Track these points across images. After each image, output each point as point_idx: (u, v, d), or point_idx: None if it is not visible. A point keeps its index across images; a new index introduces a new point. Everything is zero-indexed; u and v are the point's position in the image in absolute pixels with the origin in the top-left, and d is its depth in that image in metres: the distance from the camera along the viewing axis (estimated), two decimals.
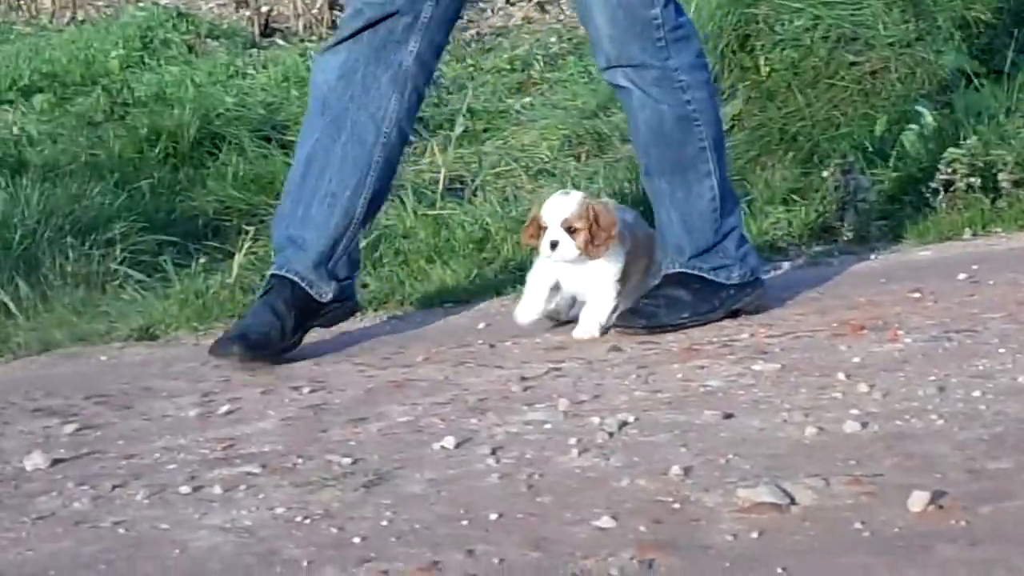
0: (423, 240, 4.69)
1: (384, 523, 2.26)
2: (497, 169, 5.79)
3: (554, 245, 3.42)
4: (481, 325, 3.74)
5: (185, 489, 2.46)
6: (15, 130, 5.66)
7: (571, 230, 3.43)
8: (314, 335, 3.55)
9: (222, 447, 2.72)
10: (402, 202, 5.13)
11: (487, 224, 4.83)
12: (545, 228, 3.44)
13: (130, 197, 4.96)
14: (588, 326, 3.49)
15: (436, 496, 2.37)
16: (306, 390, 3.14)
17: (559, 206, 3.45)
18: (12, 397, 3.21)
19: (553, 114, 6.35)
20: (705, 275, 3.50)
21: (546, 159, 5.91)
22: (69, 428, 2.91)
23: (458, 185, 5.68)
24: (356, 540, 2.19)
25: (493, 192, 5.35)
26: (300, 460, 2.60)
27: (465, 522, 2.24)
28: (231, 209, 5.27)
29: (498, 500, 2.33)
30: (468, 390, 3.06)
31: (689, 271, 3.51)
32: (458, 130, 5.96)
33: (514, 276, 4.38)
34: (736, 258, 3.54)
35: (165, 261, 4.50)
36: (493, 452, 2.57)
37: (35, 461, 2.65)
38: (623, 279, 3.52)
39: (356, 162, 3.45)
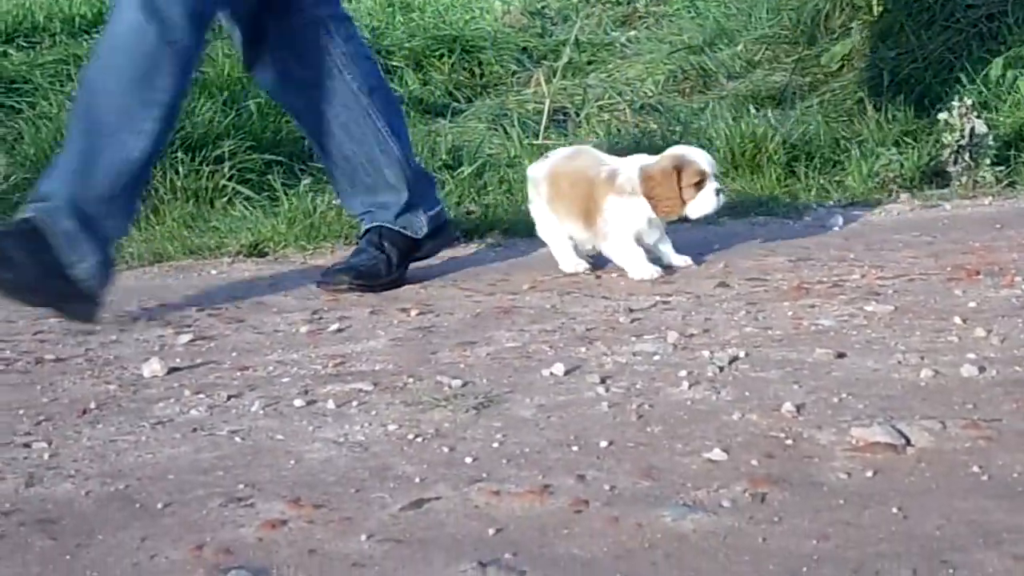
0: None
1: (495, 445, 2.27)
2: (601, 102, 5.75)
3: (717, 192, 3.46)
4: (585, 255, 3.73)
5: (299, 402, 2.49)
6: None
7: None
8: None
9: (333, 364, 2.75)
10: (506, 132, 5.13)
11: None
12: (703, 180, 3.43)
13: (238, 116, 4.99)
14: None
15: (546, 421, 2.38)
16: (414, 312, 3.16)
17: (710, 158, 3.50)
18: (127, 306, 3.27)
19: (658, 48, 6.29)
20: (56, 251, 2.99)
21: (650, 94, 5.86)
22: (184, 338, 2.96)
23: (561, 117, 5.66)
24: (467, 460, 2.20)
25: (598, 125, 5.32)
26: (411, 380, 2.62)
27: (575, 448, 2.25)
28: None
29: (608, 428, 2.33)
30: (575, 319, 3.06)
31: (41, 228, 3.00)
32: (563, 61, 5.92)
33: None
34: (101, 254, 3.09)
35: (272, 180, 4.54)
36: (602, 381, 2.58)
37: (153, 368, 2.70)
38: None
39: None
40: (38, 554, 1.87)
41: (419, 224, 3.55)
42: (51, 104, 4.89)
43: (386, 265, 3.47)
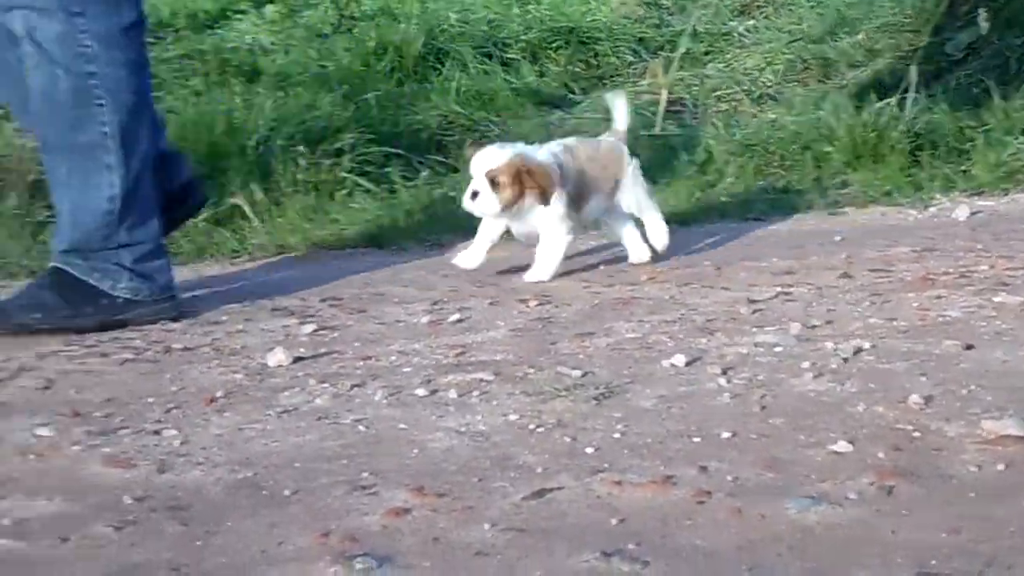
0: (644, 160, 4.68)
1: (616, 435, 2.26)
2: (719, 92, 5.71)
3: (474, 195, 3.34)
4: (704, 246, 3.71)
5: (421, 392, 2.51)
6: (249, 39, 5.80)
7: (495, 183, 3.32)
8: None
9: (454, 354, 2.76)
10: None
11: (710, 147, 4.78)
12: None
13: (357, 109, 5.04)
14: (538, 271, 3.42)
15: (667, 412, 2.37)
16: (533, 303, 3.17)
17: (487, 158, 3.34)
18: (251, 297, 3.32)
19: (777, 38, 6.21)
20: (79, 276, 3.05)
21: (769, 83, 5.80)
22: (307, 328, 3.00)
23: (678, 107, 5.62)
24: (589, 450, 2.20)
25: (717, 116, 5.28)
26: (531, 370, 2.62)
27: (697, 439, 2.24)
28: (453, 124, 5.32)
29: (730, 419, 2.32)
30: (695, 310, 3.04)
31: (62, 267, 3.07)
32: (680, 51, 5.88)
33: (735, 201, 4.34)
34: (133, 272, 3.08)
35: (390, 173, 4.58)
36: (724, 372, 2.56)
37: (278, 358, 2.74)
38: (575, 209, 3.42)
39: None
40: (169, 539, 1.91)
41: None
42: (175, 98, 4.98)
43: None
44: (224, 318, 3.15)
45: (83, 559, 1.84)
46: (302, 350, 2.82)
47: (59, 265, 3.07)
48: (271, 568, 1.82)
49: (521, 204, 3.33)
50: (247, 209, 4.14)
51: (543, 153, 3.40)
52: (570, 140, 3.55)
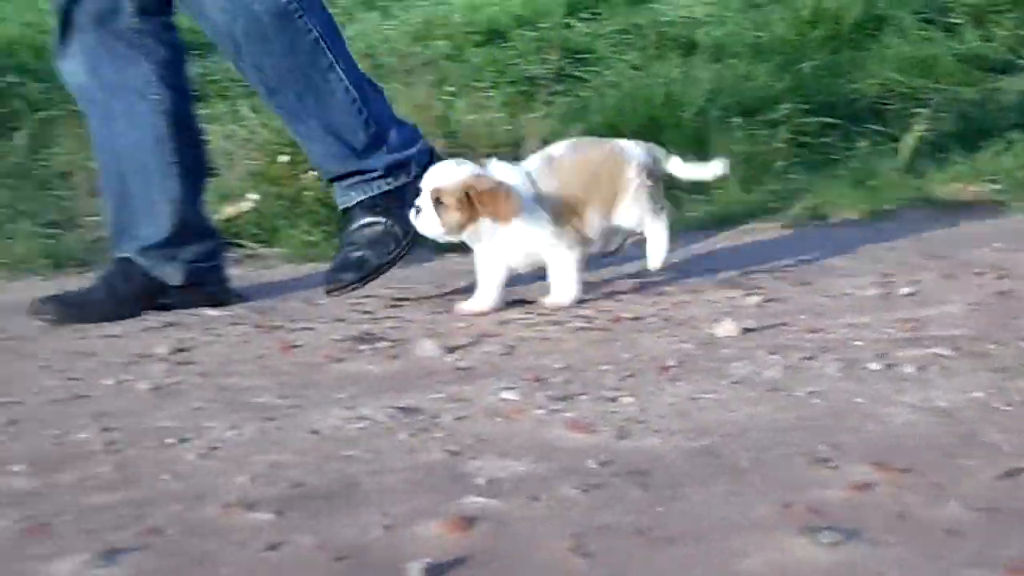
0: None
1: None
2: None
3: (418, 213, 3.06)
4: None
5: (875, 366, 2.46)
6: (683, 12, 5.83)
7: (439, 203, 3.03)
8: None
9: (908, 328, 2.69)
10: None
11: None
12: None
13: (793, 79, 4.98)
14: (557, 295, 3.11)
15: None
16: (990, 276, 3.04)
17: (437, 174, 3.04)
18: (695, 268, 3.35)
19: None
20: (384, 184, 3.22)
21: None
22: (753, 300, 2.99)
23: None
24: None
25: None
26: (993, 346, 2.52)
27: None
28: (892, 92, 5.17)
29: None
30: None
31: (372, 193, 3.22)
32: None
33: None
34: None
35: (828, 143, 4.50)
36: None
37: (726, 329, 2.75)
38: (573, 223, 3.06)
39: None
40: (632, 503, 1.95)
41: (171, 271, 3.28)
42: (614, 73, 5.08)
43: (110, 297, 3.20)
44: (669, 288, 3.19)
45: (553, 519, 1.90)
46: (750, 321, 2.82)
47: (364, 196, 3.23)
48: (734, 535, 1.83)
49: (475, 228, 3.02)
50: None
51: (511, 172, 3.06)
52: (560, 148, 3.16)
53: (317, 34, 3.08)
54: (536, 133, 4.33)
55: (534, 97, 4.81)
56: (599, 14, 5.93)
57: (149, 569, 1.76)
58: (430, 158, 3.23)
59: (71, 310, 3.08)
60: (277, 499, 1.98)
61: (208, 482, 2.06)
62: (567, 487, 2.00)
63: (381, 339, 2.87)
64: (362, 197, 3.22)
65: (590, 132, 4.57)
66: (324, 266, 3.60)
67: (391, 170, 3.23)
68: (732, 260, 3.43)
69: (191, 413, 2.40)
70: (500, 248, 3.06)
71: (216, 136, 4.35)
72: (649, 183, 3.08)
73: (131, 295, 3.18)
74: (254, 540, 1.84)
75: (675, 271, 3.33)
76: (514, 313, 3.04)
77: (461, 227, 3.01)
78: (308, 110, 3.13)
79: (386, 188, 3.23)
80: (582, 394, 2.42)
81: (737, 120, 4.53)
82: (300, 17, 3.06)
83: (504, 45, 5.56)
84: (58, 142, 4.60)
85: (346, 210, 3.25)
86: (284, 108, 3.18)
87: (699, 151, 4.37)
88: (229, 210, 4.03)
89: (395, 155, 3.22)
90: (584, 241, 3.07)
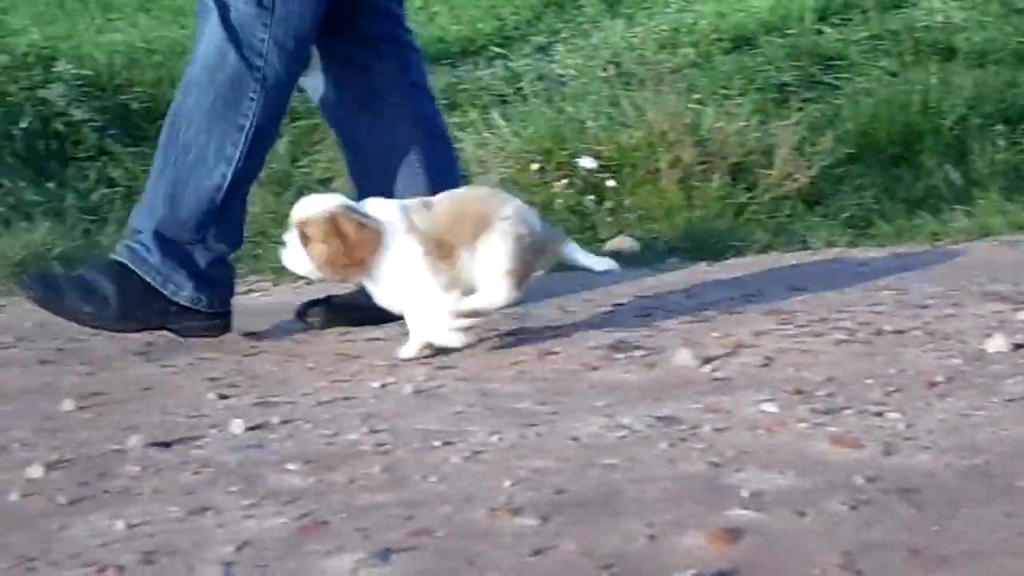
0: None
1: None
2: None
3: (284, 247, 2.88)
4: None
5: None
6: (940, 16, 5.67)
7: (305, 237, 2.84)
8: None
9: None
10: None
11: None
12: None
13: None
14: (410, 346, 2.89)
15: None
16: None
17: (303, 207, 2.87)
18: (961, 281, 3.25)
19: None
20: (141, 274, 3.02)
21: None
22: (1022, 315, 2.88)
23: None
24: None
25: None
26: None
27: None
28: None
29: None
30: None
31: (126, 262, 3.02)
32: None
33: None
34: (201, 278, 3.03)
35: None
36: None
37: (996, 344, 2.66)
38: (446, 263, 2.82)
39: None
40: (903, 521, 1.91)
41: None
42: (868, 79, 4.97)
43: (360, 295, 3.07)
44: (930, 302, 3.10)
45: (821, 534, 1.87)
46: (1020, 337, 2.72)
47: (122, 260, 3.05)
48: (1013, 559, 1.77)
49: (345, 265, 2.84)
50: (944, 190, 4.06)
51: (386, 207, 2.88)
52: (444, 194, 2.94)
53: (247, 126, 3.02)
54: (787, 141, 4.27)
55: (785, 104, 4.74)
56: (850, 19, 5.81)
57: (421, 569, 1.80)
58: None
59: (338, 313, 3.18)
60: (541, 505, 2.00)
61: (474, 485, 2.10)
62: (834, 502, 1.96)
63: (637, 348, 2.87)
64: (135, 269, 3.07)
65: (842, 140, 4.49)
66: (571, 274, 3.63)
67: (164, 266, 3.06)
68: (996, 273, 3.31)
69: (454, 417, 2.45)
70: (373, 287, 2.90)
71: (469, 144, 4.44)
72: (517, 237, 2.81)
73: None
74: (520, 544, 1.87)
75: (937, 283, 3.24)
76: (770, 323, 3.00)
77: (329, 262, 2.84)
78: (184, 163, 3.04)
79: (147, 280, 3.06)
80: (846, 408, 2.37)
81: (999, 128, 4.38)
82: (251, 99, 3.01)
83: (752, 52, 5.50)
84: (318, 149, 4.76)
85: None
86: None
87: (958, 160, 4.27)
88: None
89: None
90: (457, 282, 2.83)
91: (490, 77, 5.50)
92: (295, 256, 2.88)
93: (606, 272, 2.96)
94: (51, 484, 2.17)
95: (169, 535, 1.95)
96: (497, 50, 5.94)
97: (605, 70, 5.17)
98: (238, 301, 3.23)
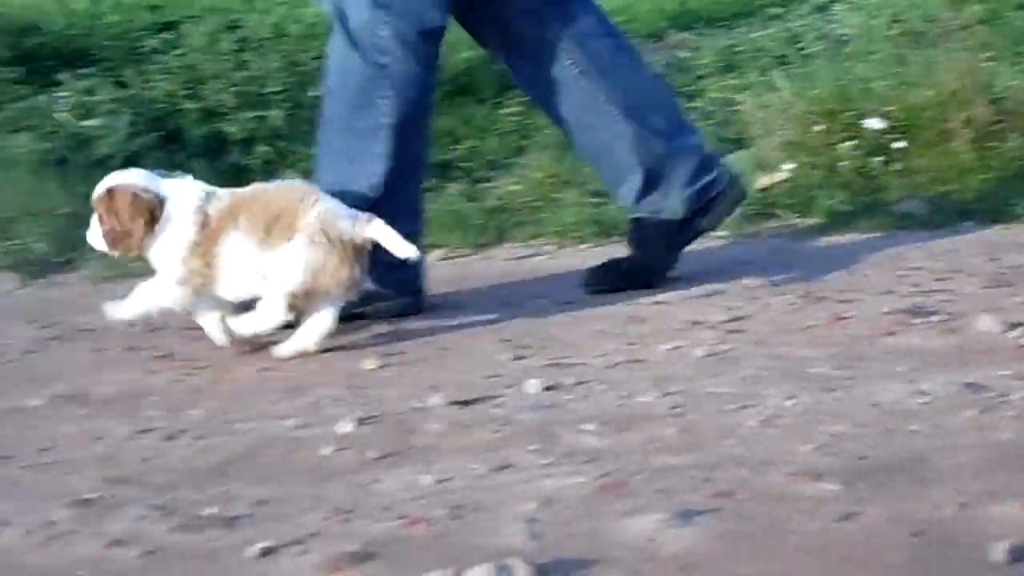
0: None
1: None
2: None
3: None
4: None
5: None
6: None
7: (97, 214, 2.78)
8: None
9: None
10: None
11: None
12: None
13: None
14: (126, 303, 2.81)
15: None
16: None
17: (100, 185, 2.80)
18: None
19: None
20: None
21: None
22: None
23: None
24: None
25: None
26: None
27: None
28: None
29: None
30: None
31: None
32: None
33: None
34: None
35: None
36: None
37: None
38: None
39: None
40: None
41: (673, 204, 3.15)
42: None
43: (643, 259, 3.17)
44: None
45: None
46: None
47: None
48: None
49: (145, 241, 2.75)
50: None
51: (183, 187, 2.78)
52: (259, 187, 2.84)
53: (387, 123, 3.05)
54: None
55: None
56: None
57: (722, 532, 1.80)
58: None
59: (624, 277, 3.19)
60: (842, 470, 1.97)
61: (771, 449, 2.08)
62: None
63: (934, 312, 2.78)
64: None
65: None
66: (861, 236, 3.55)
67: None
68: None
69: (747, 380, 2.43)
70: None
71: (749, 106, 4.37)
72: (327, 240, 2.71)
73: (661, 248, 3.22)
74: (822, 510, 1.84)
75: None
76: None
77: (120, 240, 2.76)
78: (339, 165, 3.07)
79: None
80: None
81: None
82: (384, 98, 3.04)
83: None
84: None
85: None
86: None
87: None
88: (763, 180, 4.03)
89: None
90: (203, 284, 2.76)
91: (767, 39, 5.39)
92: (94, 233, 2.85)
93: (407, 259, 2.79)
94: (361, 439, 2.26)
95: (473, 491, 2.00)
96: (774, 11, 5.81)
97: (890, 28, 5.00)
98: (523, 264, 3.27)
